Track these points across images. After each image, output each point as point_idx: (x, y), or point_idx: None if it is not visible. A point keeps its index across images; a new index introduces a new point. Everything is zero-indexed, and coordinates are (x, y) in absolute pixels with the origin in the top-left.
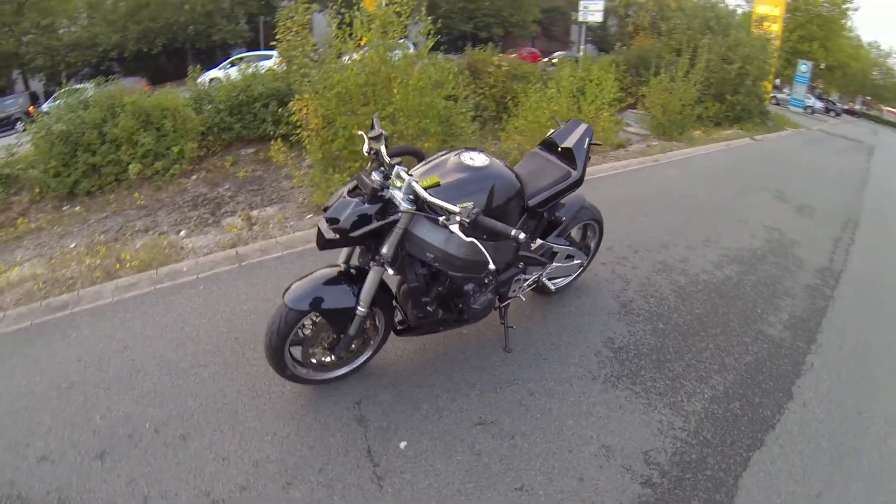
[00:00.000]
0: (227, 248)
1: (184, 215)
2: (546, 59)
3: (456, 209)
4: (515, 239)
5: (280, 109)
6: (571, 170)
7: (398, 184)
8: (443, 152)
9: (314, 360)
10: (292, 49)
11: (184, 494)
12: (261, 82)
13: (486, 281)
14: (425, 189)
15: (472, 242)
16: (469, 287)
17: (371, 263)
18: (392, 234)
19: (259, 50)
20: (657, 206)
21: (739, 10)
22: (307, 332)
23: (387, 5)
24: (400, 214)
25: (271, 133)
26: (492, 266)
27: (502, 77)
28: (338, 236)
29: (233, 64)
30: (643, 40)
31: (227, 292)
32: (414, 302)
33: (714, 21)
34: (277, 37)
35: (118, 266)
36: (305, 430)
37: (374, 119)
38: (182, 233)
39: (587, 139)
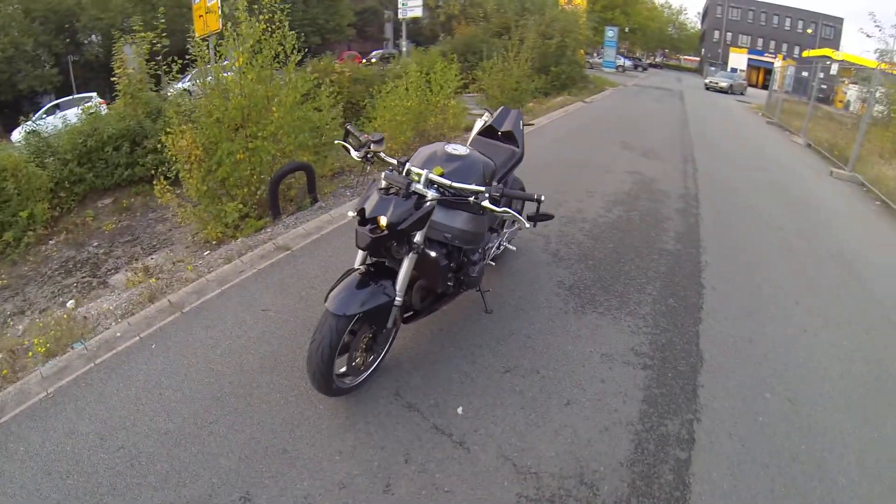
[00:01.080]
0: (150, 302)
1: (60, 285)
2: (365, 60)
3: (482, 188)
4: (538, 199)
5: (137, 149)
6: (515, 148)
7: (416, 178)
8: (427, 147)
9: (355, 364)
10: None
11: None
12: (108, 124)
13: (482, 250)
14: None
15: (484, 217)
16: (476, 256)
17: (403, 254)
18: (425, 223)
19: (72, 94)
20: (534, 174)
21: None
22: (347, 338)
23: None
24: (429, 203)
25: (129, 178)
26: (527, 225)
27: (346, 83)
28: (387, 232)
29: (48, 113)
30: (465, 28)
31: (188, 342)
32: (442, 280)
33: (529, 2)
34: (116, 72)
35: (18, 358)
36: (366, 435)
37: (350, 127)
38: (70, 303)
39: (520, 121)
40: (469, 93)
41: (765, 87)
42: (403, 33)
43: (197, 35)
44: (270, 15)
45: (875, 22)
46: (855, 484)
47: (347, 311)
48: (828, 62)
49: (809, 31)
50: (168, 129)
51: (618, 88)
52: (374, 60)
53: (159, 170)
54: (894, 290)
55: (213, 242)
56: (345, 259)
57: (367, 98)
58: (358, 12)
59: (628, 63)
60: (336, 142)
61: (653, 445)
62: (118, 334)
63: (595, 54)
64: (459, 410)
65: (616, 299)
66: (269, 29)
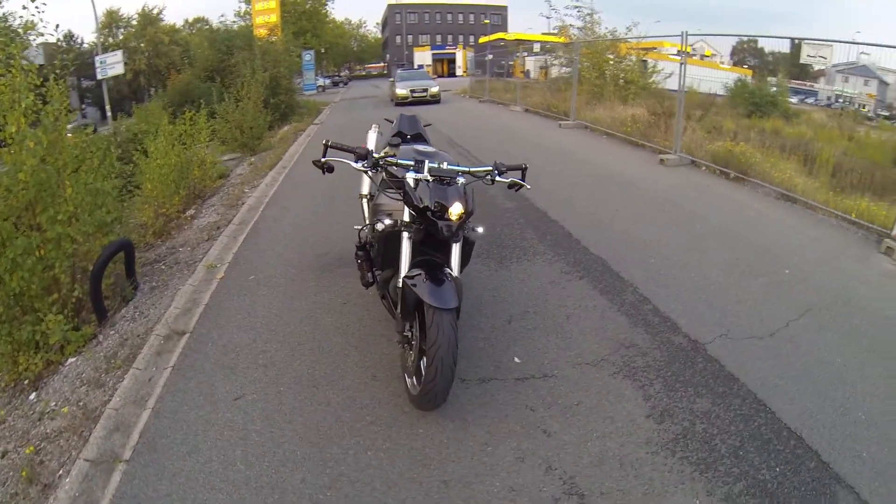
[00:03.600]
0: None
1: None
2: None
3: (491, 167)
4: (524, 167)
5: None
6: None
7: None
8: (398, 149)
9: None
10: None
11: None
12: None
13: None
14: None
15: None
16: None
17: (457, 239)
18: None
19: None
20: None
21: (236, 25)
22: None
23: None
24: (470, 187)
25: None
26: (528, 186)
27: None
28: (464, 219)
29: None
30: (177, 78)
31: None
32: (467, 258)
33: (233, 41)
34: None
35: None
36: (466, 426)
37: (334, 143)
38: None
39: (421, 123)
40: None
41: (451, 74)
42: (105, 95)
43: None
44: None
45: (551, 5)
46: None
47: (454, 302)
48: (502, 43)
49: (487, 21)
50: None
51: (332, 105)
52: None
53: None
54: (603, 164)
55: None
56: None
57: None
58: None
59: (327, 81)
60: (325, 160)
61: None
62: None
63: (296, 80)
64: (516, 360)
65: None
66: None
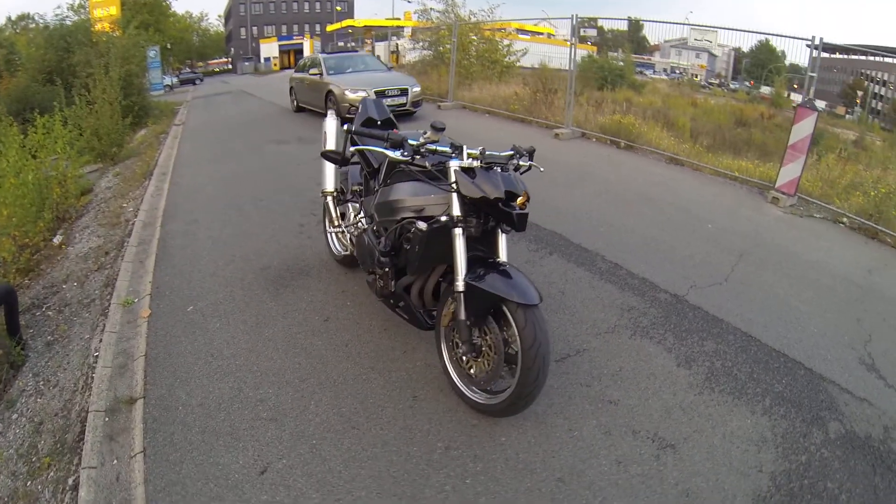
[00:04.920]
0: None
1: None
2: None
3: (512, 152)
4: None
5: None
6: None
7: (475, 154)
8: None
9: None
10: None
11: None
12: None
13: None
14: None
15: None
16: None
17: (505, 230)
18: None
19: None
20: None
21: (68, 20)
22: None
23: None
24: None
25: None
26: (542, 169)
27: None
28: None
29: None
30: (9, 82)
31: None
32: None
33: (72, 37)
34: None
35: None
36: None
37: (354, 130)
38: None
39: (384, 107)
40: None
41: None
42: None
43: None
44: None
45: None
46: None
47: (538, 296)
48: (350, 30)
49: (339, 7)
50: None
51: (187, 104)
52: None
53: None
54: (502, 141)
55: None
56: None
57: None
58: None
59: (175, 80)
60: (353, 149)
61: None
62: None
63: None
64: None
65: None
66: None
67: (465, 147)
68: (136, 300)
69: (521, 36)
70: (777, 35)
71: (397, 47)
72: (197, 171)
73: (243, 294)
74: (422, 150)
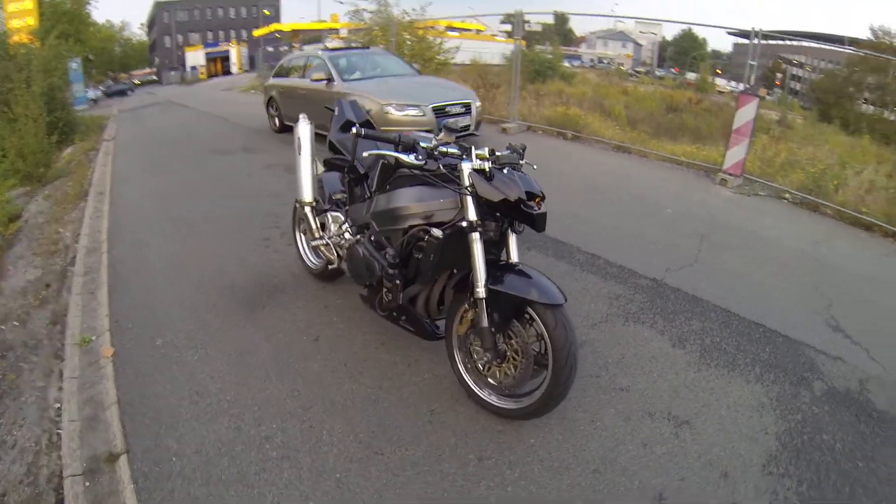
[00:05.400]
0: None
1: None
2: None
3: (509, 150)
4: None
5: None
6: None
7: (485, 155)
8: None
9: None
10: None
11: None
12: None
13: None
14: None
15: None
16: None
17: (512, 229)
18: None
19: None
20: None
21: None
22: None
23: None
24: None
25: None
26: (534, 166)
27: None
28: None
29: None
30: None
31: None
32: None
33: None
34: None
35: None
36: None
37: (363, 134)
38: None
39: (360, 108)
40: None
41: (226, 73)
42: None
43: None
44: None
45: None
46: None
47: (562, 295)
48: (278, 35)
49: (268, 11)
50: None
51: (114, 118)
52: None
53: None
54: None
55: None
56: None
57: None
58: None
59: (98, 93)
60: (370, 154)
61: None
62: None
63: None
64: None
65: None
66: None
67: (473, 148)
68: (93, 338)
69: (450, 33)
70: (715, 26)
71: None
72: (138, 187)
73: (216, 320)
74: (435, 152)
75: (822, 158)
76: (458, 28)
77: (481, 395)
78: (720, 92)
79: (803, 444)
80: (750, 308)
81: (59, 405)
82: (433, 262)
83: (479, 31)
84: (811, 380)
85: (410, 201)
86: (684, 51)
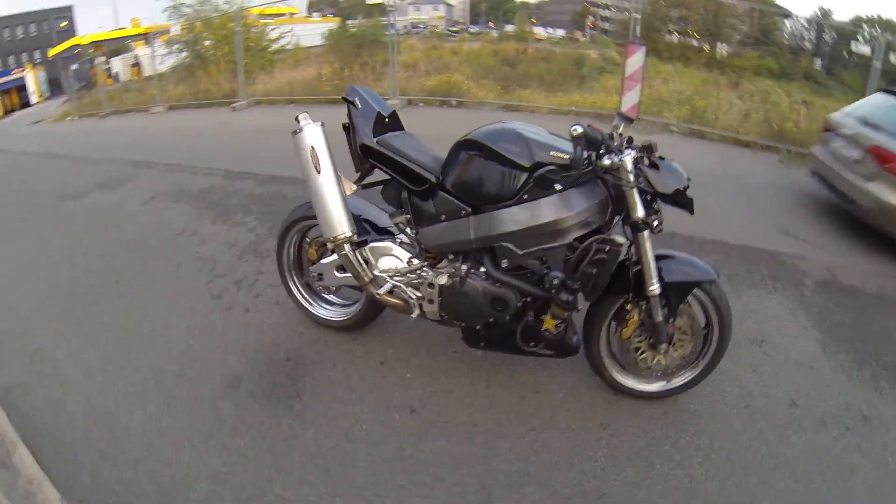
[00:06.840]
0: None
1: None
2: None
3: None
4: None
5: None
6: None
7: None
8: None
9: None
10: None
11: None
12: None
13: None
14: None
15: None
16: None
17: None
18: None
19: None
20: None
21: None
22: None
23: None
24: None
25: None
26: None
27: None
28: None
29: None
30: None
31: None
32: None
33: None
34: None
35: None
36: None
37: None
38: None
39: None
40: None
41: (25, 104)
42: None
43: None
44: None
45: None
46: None
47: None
48: (77, 50)
49: (64, 24)
50: None
51: None
52: None
53: None
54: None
55: None
56: None
57: None
58: None
59: None
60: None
61: None
62: None
63: None
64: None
65: None
66: None
67: (628, 139)
68: None
69: (263, 20)
70: None
71: (137, 59)
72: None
73: (248, 445)
74: (584, 160)
75: (685, 91)
76: (273, 14)
77: (640, 389)
78: (538, 39)
79: (831, 327)
80: (727, 234)
81: None
82: (607, 272)
83: (292, 15)
84: (802, 279)
85: (568, 210)
86: (496, 5)
